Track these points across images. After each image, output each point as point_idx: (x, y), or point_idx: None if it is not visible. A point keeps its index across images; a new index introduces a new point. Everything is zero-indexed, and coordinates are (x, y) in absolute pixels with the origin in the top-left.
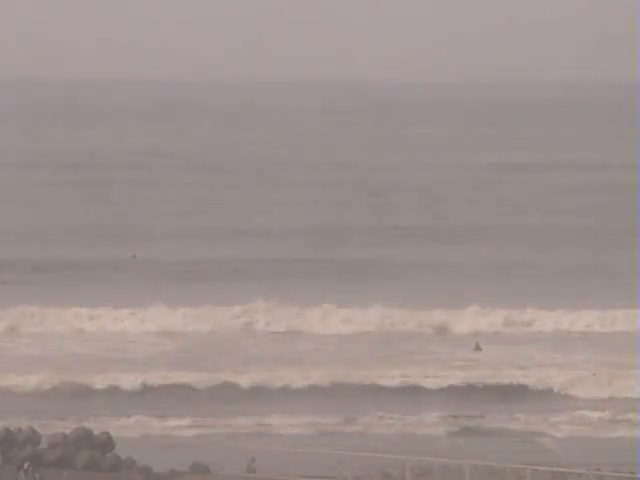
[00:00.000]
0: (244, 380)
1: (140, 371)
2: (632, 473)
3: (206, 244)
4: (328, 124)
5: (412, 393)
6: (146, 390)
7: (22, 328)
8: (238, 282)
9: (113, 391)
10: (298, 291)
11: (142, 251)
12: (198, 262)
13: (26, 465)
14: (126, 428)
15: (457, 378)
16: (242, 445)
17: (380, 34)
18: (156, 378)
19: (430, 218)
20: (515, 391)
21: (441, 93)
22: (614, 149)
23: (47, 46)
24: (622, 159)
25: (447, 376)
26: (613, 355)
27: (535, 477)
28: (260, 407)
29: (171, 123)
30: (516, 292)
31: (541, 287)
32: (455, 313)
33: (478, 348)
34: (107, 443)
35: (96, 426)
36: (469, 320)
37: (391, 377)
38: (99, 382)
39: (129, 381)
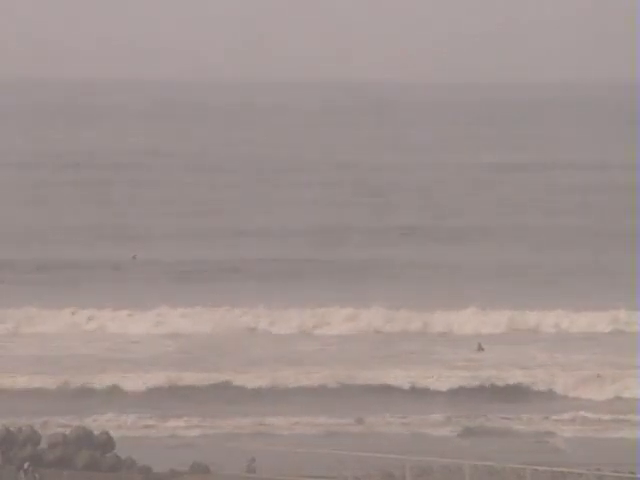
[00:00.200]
0: (245, 381)
1: (141, 371)
2: (632, 473)
3: (206, 244)
4: (328, 124)
5: (416, 394)
6: (146, 390)
7: (22, 328)
8: (238, 282)
9: (114, 391)
10: (299, 291)
11: (142, 251)
12: (198, 262)
13: (26, 465)
14: (126, 428)
15: (460, 379)
16: (242, 445)
17: (380, 34)
18: (157, 378)
19: (430, 218)
20: (519, 391)
21: (441, 93)
22: (614, 149)
23: (47, 46)
24: (622, 159)
25: (450, 377)
26: (616, 356)
27: (535, 477)
28: (261, 407)
29: (171, 123)
30: (516, 292)
31: (541, 287)
32: (456, 313)
33: (480, 349)
34: (107, 443)
35: (97, 426)
36: (470, 321)
37: (394, 378)
38: (100, 383)
39: (130, 381)
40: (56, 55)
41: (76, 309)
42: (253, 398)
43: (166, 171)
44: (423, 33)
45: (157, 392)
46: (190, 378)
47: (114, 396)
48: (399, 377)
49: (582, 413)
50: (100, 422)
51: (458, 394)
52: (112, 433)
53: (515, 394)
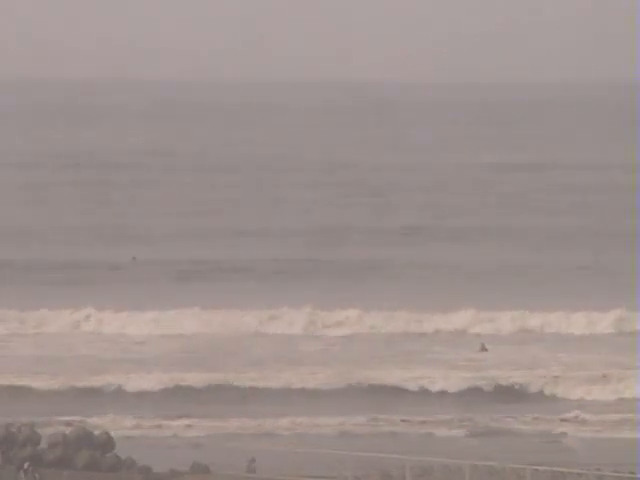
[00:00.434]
0: (245, 381)
1: (141, 372)
2: (632, 473)
3: (206, 244)
4: (328, 124)
5: (422, 394)
6: (147, 391)
7: (22, 329)
8: (238, 282)
9: (114, 392)
10: (299, 291)
11: (142, 251)
12: (198, 262)
13: (26, 465)
14: (127, 428)
15: (465, 379)
16: (242, 445)
17: (380, 34)
18: (157, 379)
19: (430, 218)
20: (524, 391)
21: (441, 93)
22: (614, 149)
23: (47, 46)
24: (622, 159)
25: (455, 377)
26: (619, 356)
27: (535, 477)
28: (262, 408)
29: (171, 123)
30: (516, 292)
31: (541, 287)
32: (457, 314)
33: (484, 349)
34: (107, 443)
35: (97, 426)
36: (472, 321)
37: (399, 378)
38: (100, 383)
39: (130, 382)
40: (56, 55)
41: (76, 309)
42: (254, 398)
43: (166, 171)
44: (423, 33)
45: (158, 392)
46: (191, 378)
47: (114, 396)
48: (403, 378)
49: (588, 413)
50: (100, 422)
51: (464, 394)
52: (112, 433)
53: (520, 394)
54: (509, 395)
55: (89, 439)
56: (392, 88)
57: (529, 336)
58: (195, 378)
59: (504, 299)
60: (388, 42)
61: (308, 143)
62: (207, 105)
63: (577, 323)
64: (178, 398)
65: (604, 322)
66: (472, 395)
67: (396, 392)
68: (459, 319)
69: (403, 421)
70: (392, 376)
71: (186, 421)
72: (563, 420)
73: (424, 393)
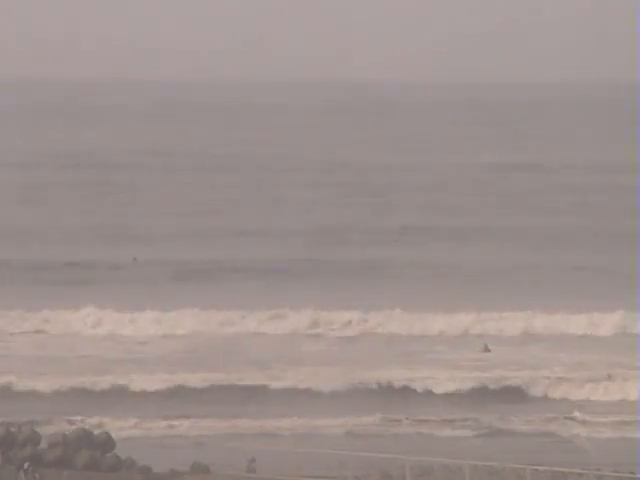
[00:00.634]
0: (246, 381)
1: (142, 372)
2: (632, 473)
3: (206, 244)
4: (328, 124)
5: (423, 395)
6: (147, 391)
7: (23, 329)
8: (238, 282)
9: (115, 392)
10: (299, 291)
11: (142, 251)
12: (198, 262)
13: (26, 465)
14: (127, 428)
15: (469, 379)
16: (242, 445)
17: (380, 34)
18: (158, 379)
19: (430, 218)
20: (529, 392)
21: (441, 93)
22: (614, 149)
23: (47, 46)
24: (622, 159)
25: (459, 378)
26: (621, 356)
27: (535, 477)
28: (263, 408)
29: (171, 123)
30: (517, 293)
31: (542, 288)
32: (459, 314)
33: (487, 350)
34: (107, 443)
35: (97, 426)
36: (473, 321)
37: (400, 379)
38: (101, 383)
39: (130, 382)
40: (56, 55)
41: (76, 310)
42: (254, 399)
43: (166, 171)
44: (423, 33)
45: (158, 392)
46: (191, 379)
47: (115, 396)
48: (406, 378)
49: (591, 413)
50: (101, 422)
51: (467, 395)
52: (113, 433)
53: (523, 395)
54: (512, 395)
55: (89, 439)
56: (392, 88)
57: (531, 337)
58: (196, 378)
59: (504, 299)
60: (388, 42)
61: (308, 143)
62: (207, 105)
63: (578, 324)
64: (178, 398)
65: (605, 323)
66: (475, 396)
67: (399, 392)
68: (461, 320)
69: (407, 421)
70: (395, 377)
71: (186, 421)
72: (565, 420)
73: (427, 394)
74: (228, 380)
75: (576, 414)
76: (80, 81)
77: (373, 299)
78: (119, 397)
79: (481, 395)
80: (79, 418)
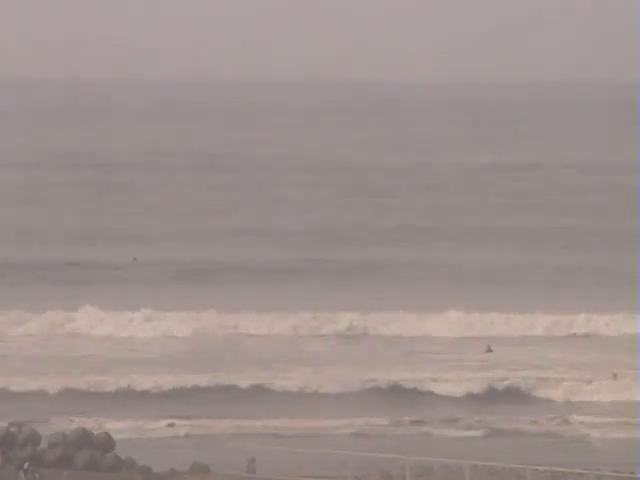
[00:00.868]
0: (247, 381)
1: (142, 372)
2: (632, 473)
3: (206, 244)
4: (328, 124)
5: (426, 395)
6: (148, 391)
7: (23, 329)
8: (238, 282)
9: (116, 392)
10: (299, 291)
11: (142, 251)
12: (198, 262)
13: (26, 465)
14: (128, 428)
15: (473, 380)
16: (242, 445)
17: (380, 34)
18: (159, 379)
19: (430, 218)
20: (533, 392)
21: (441, 93)
22: (614, 149)
23: (47, 46)
24: (622, 159)
25: (459, 378)
26: (624, 356)
27: (535, 477)
28: (263, 408)
29: (171, 123)
30: (517, 293)
31: (542, 288)
32: (460, 315)
33: (489, 350)
34: (107, 443)
35: (97, 426)
36: (476, 322)
37: (402, 379)
38: (102, 383)
39: (131, 382)
40: (56, 55)
41: (76, 310)
42: (255, 399)
43: (166, 171)
44: (423, 33)
45: (159, 392)
46: (192, 379)
47: (115, 397)
48: (408, 378)
49: (593, 413)
50: (101, 422)
51: (469, 395)
52: (112, 433)
53: (526, 395)
54: (515, 396)
55: (89, 439)
56: (392, 88)
57: (532, 337)
58: (196, 378)
59: (504, 299)
60: (388, 42)
61: (308, 143)
62: (207, 105)
63: (579, 324)
64: (178, 398)
65: (605, 323)
66: (478, 396)
67: (401, 393)
68: (462, 320)
69: (409, 421)
70: (396, 377)
71: (186, 421)
72: (568, 420)
73: (430, 394)
74: (229, 380)
75: (577, 414)
76: (80, 81)
77: (373, 299)
78: (119, 397)
79: (485, 396)
80: (78, 418)
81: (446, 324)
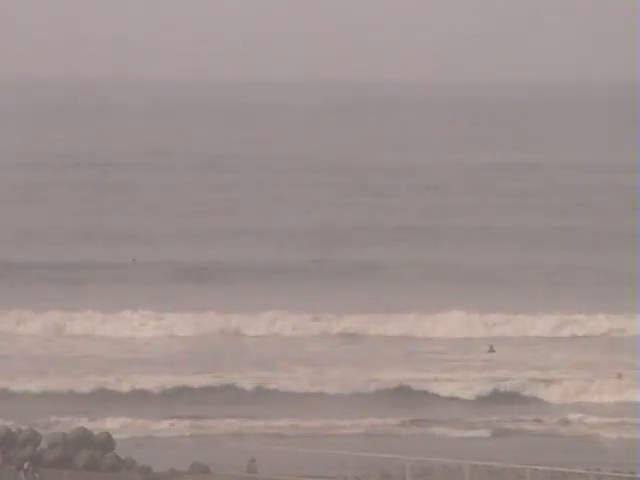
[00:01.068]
0: (247, 381)
1: (143, 372)
2: (632, 473)
3: (206, 244)
4: (328, 124)
5: (428, 395)
6: (149, 391)
7: (23, 329)
8: (238, 282)
9: (117, 392)
10: (299, 291)
11: (142, 252)
12: (198, 263)
13: (26, 465)
14: (128, 428)
15: (476, 380)
16: (242, 445)
17: (380, 34)
18: (160, 379)
19: (430, 218)
20: (536, 392)
21: (441, 93)
22: (614, 149)
23: (47, 46)
24: (622, 159)
25: (462, 378)
26: (627, 356)
27: (535, 477)
28: (264, 408)
29: (171, 123)
30: (517, 293)
31: (541, 288)
32: (461, 315)
33: (492, 350)
34: (107, 443)
35: (98, 426)
36: (476, 322)
37: (404, 379)
38: (103, 384)
39: (131, 382)
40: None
41: (76, 310)
42: (255, 399)
43: (166, 171)
44: (423, 33)
45: (159, 393)
46: (192, 379)
47: (115, 397)
48: (410, 378)
49: (594, 414)
50: (101, 422)
51: (471, 396)
52: (114, 433)
53: (528, 395)
54: (518, 396)
55: (89, 439)
56: (392, 88)
57: (532, 337)
58: (196, 378)
59: (505, 299)
60: (388, 42)
61: (308, 143)
62: (207, 105)
63: (579, 324)
64: (179, 398)
65: (605, 323)
66: (481, 396)
67: (403, 393)
68: (463, 320)
69: (412, 421)
70: (398, 377)
71: (187, 421)
72: (568, 420)
73: (432, 394)
74: (229, 380)
75: (579, 414)
76: (80, 81)
77: (373, 299)
78: (119, 397)
79: (488, 396)
80: (78, 418)
81: (447, 324)
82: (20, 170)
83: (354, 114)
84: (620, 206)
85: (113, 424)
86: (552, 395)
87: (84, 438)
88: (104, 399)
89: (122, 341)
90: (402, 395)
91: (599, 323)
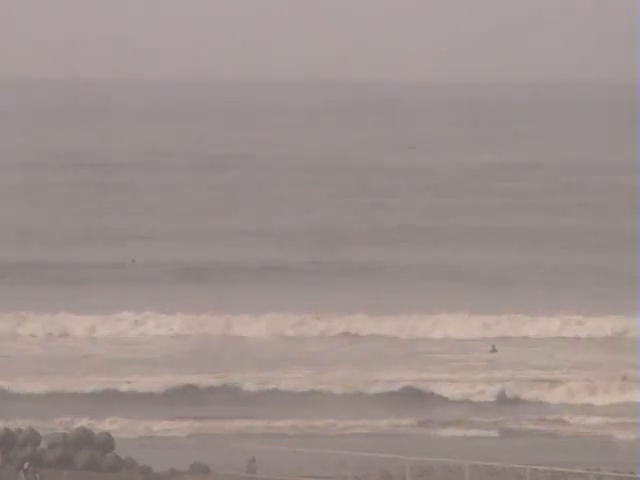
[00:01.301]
0: (247, 381)
1: (144, 373)
2: (632, 473)
3: (206, 244)
4: (328, 124)
5: (430, 396)
6: (149, 391)
7: (23, 329)
8: (238, 282)
9: (116, 392)
10: (299, 291)
11: (142, 252)
12: (199, 263)
13: (26, 465)
14: (129, 428)
15: (475, 380)
16: (242, 445)
17: (380, 34)
18: (161, 379)
19: (430, 218)
20: (538, 392)
21: (441, 93)
22: (614, 149)
23: (47, 46)
24: (622, 159)
25: (464, 378)
26: (626, 357)
27: (535, 477)
28: (264, 409)
29: (171, 123)
30: (517, 293)
31: (542, 288)
32: (461, 315)
33: (494, 350)
34: (107, 443)
35: (99, 426)
36: (477, 322)
37: (406, 380)
38: (102, 383)
39: (131, 382)
40: (56, 55)
41: (76, 310)
42: (256, 399)
43: (166, 171)
44: (423, 33)
45: (160, 393)
46: (192, 379)
47: (115, 397)
48: (411, 379)
49: (595, 414)
50: (102, 422)
51: (474, 396)
52: (114, 433)
53: (530, 395)
54: (520, 396)
55: (89, 439)
56: (392, 88)
57: (532, 338)
58: (196, 379)
59: (505, 300)
60: (388, 42)
61: (308, 143)
62: (207, 105)
63: (580, 325)
64: (179, 399)
65: (606, 323)
66: (483, 396)
67: (404, 393)
68: (463, 320)
69: (414, 421)
70: (400, 378)
71: (187, 421)
72: (569, 421)
73: (434, 395)
74: (230, 380)
75: (580, 414)
76: (80, 81)
77: (373, 299)
78: (119, 397)
79: (492, 396)
80: (79, 418)
81: (448, 324)
82: (20, 170)
83: (354, 114)
84: (620, 206)
85: (113, 424)
86: (553, 395)
87: (84, 438)
88: (104, 399)
89: (122, 341)
90: (403, 395)
91: (599, 323)
